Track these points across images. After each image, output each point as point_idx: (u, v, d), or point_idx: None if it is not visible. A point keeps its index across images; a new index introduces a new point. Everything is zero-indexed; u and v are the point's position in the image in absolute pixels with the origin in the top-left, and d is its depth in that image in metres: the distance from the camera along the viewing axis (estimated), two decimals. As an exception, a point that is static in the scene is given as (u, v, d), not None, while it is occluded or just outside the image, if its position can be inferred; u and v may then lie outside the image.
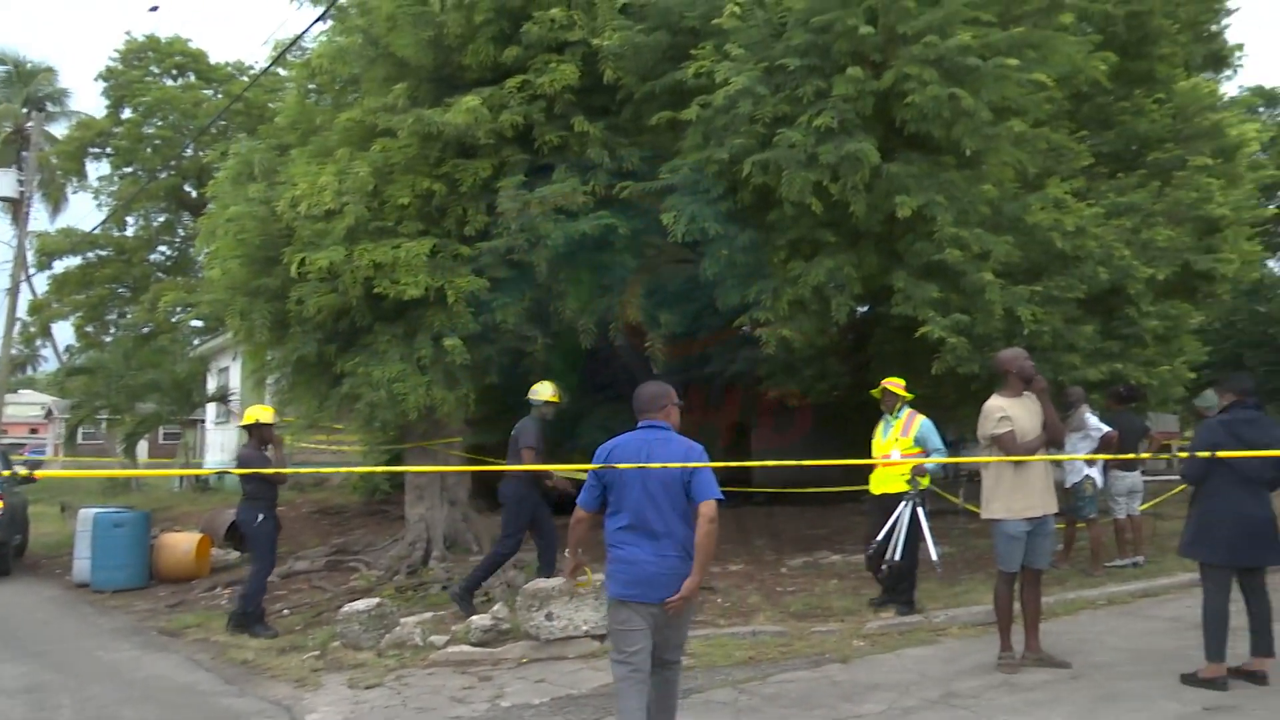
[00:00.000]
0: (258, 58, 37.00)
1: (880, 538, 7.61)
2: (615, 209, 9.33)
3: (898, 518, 7.65)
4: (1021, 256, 9.23)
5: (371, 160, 9.04)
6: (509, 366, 11.40)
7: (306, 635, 7.75)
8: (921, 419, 7.87)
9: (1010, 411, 6.10)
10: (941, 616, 7.61)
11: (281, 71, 14.60)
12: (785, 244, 8.66)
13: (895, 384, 7.94)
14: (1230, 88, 21.11)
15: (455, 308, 9.04)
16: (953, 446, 16.38)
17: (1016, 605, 6.33)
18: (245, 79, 25.37)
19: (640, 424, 4.66)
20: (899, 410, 7.89)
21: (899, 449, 7.76)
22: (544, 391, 8.43)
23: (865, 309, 11.60)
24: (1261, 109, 24.45)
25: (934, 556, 7.59)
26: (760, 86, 8.21)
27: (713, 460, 4.53)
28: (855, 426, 14.07)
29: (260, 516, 8.12)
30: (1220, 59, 14.96)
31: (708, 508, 4.35)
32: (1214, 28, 14.33)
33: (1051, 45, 8.83)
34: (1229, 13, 14.32)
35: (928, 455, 7.76)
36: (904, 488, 7.65)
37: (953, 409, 12.33)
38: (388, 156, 9.14)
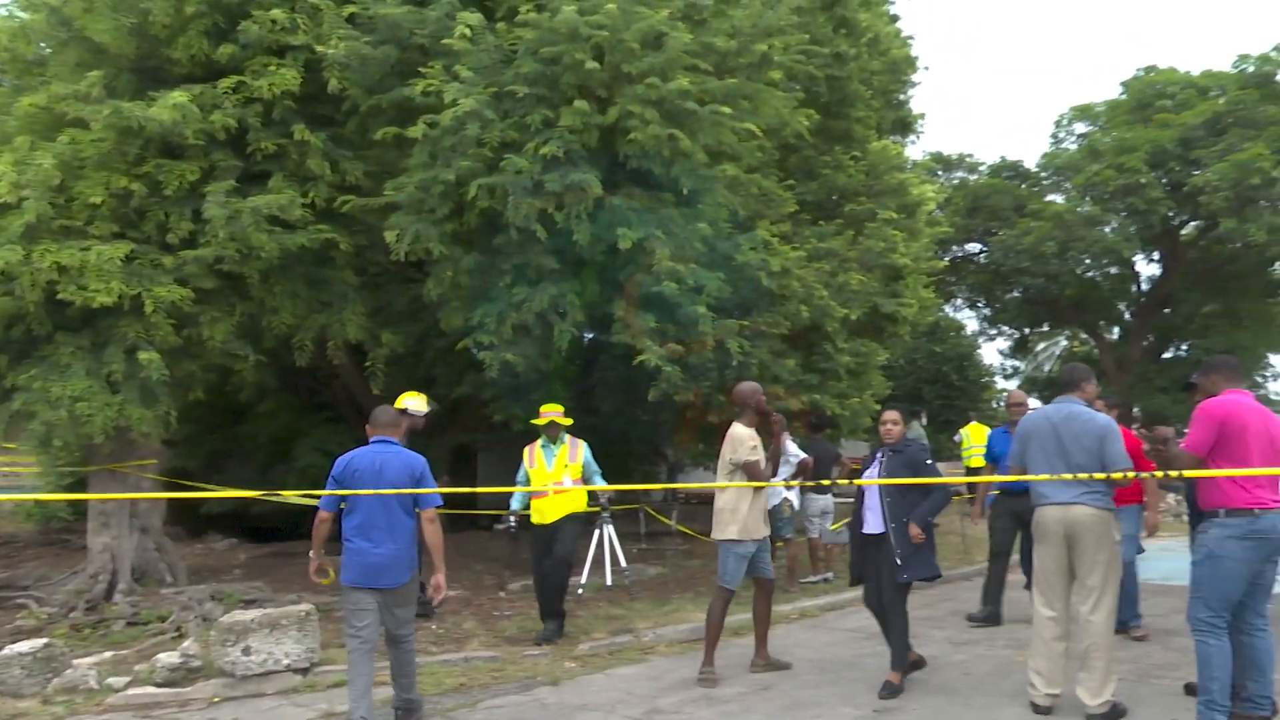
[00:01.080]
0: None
1: (589, 562, 7.90)
2: (336, 223, 9.01)
3: (600, 540, 7.99)
4: (732, 292, 9.83)
5: (58, 152, 8.14)
6: (217, 384, 10.66)
7: (-47, 685, 6.79)
8: (583, 444, 8.11)
9: (755, 441, 6.64)
10: (650, 635, 7.88)
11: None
12: (510, 268, 8.71)
13: (557, 410, 8.08)
14: (914, 151, 23.79)
15: (153, 319, 8.29)
16: (672, 470, 17.14)
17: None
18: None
19: (374, 439, 5.66)
20: (561, 437, 8.03)
21: (570, 475, 7.91)
22: (409, 402, 8.17)
23: (590, 335, 11.90)
24: (939, 172, 27.65)
25: (617, 579, 8.15)
26: (489, 110, 8.25)
27: (436, 481, 5.69)
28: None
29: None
30: (906, 125, 16.80)
31: (429, 513, 5.56)
32: (901, 97, 16.10)
33: (762, 98, 9.54)
34: (913, 85, 16.16)
35: (588, 479, 8.03)
36: (577, 509, 7.89)
37: (671, 434, 12.90)
38: (78, 149, 8.27)
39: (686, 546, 12.96)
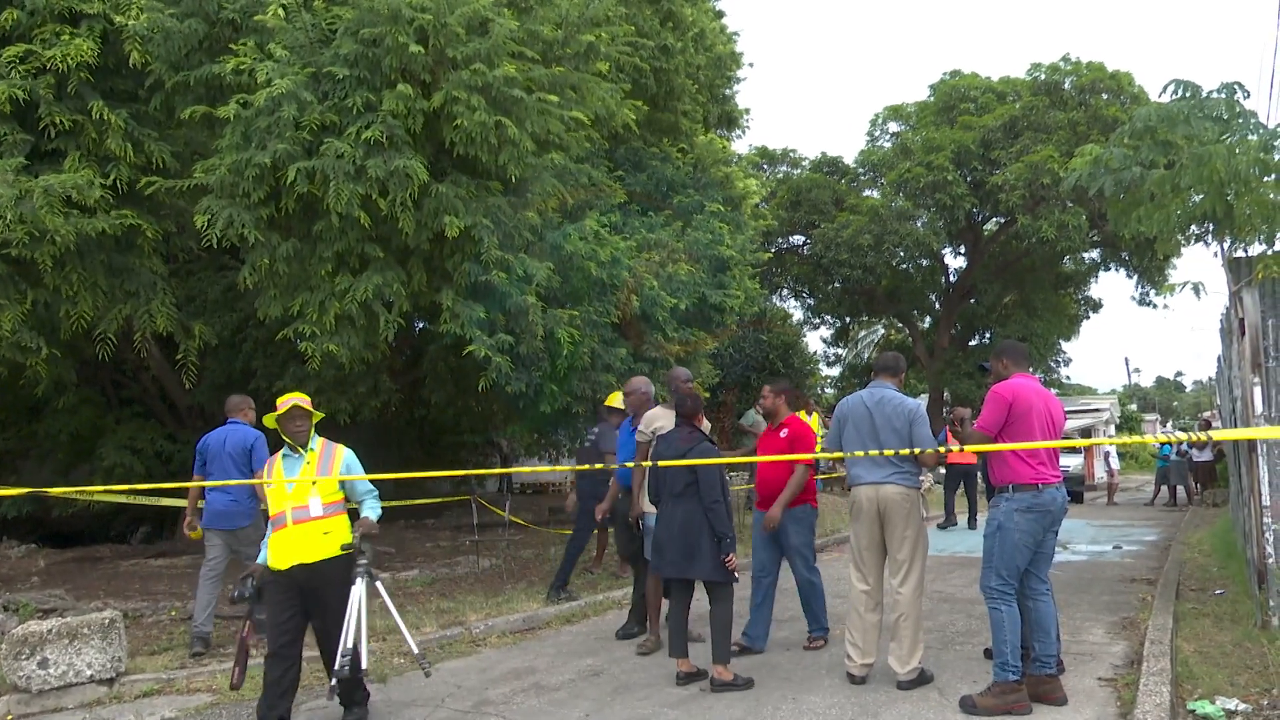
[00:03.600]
0: None
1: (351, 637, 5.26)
2: (141, 207, 8.49)
3: (358, 601, 5.30)
4: (562, 282, 9.85)
5: None
6: (7, 379, 9.87)
7: None
8: (342, 449, 5.59)
9: (660, 421, 7.03)
10: (481, 627, 7.81)
11: None
12: (332, 256, 8.42)
13: (300, 398, 5.50)
14: (740, 146, 24.44)
15: (-73, 306, 7.62)
16: (506, 460, 17.01)
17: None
18: None
19: (229, 420, 7.50)
20: (309, 439, 5.46)
21: (320, 496, 5.34)
22: (616, 401, 8.92)
23: (421, 325, 11.66)
24: (764, 166, 28.52)
25: (413, 649, 5.76)
26: (306, 92, 7.94)
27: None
28: (409, 443, 14.07)
29: None
30: (732, 120, 17.23)
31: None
32: (727, 92, 16.51)
33: (589, 88, 9.58)
34: (739, 80, 16.60)
35: (358, 500, 5.57)
36: (333, 552, 5.29)
37: (503, 425, 12.84)
38: None
39: (520, 537, 12.93)
